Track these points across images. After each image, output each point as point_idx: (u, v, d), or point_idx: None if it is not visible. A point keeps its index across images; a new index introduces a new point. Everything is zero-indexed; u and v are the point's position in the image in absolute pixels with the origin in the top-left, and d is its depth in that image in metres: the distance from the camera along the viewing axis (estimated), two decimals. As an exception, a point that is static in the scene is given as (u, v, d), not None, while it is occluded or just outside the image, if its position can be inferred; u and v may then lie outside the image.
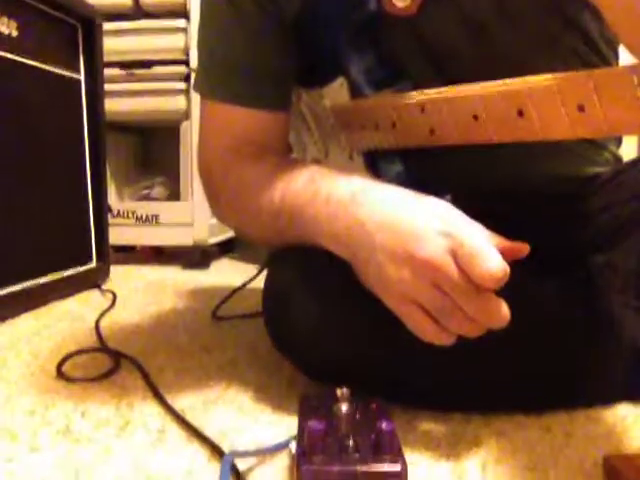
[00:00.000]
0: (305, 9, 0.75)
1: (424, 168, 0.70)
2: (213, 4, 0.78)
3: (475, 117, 0.59)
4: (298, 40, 0.77)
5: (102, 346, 0.88)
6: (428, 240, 0.52)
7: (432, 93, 0.64)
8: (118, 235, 1.59)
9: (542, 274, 0.64)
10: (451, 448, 0.56)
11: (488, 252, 0.49)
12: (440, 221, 0.53)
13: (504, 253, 0.50)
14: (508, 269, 0.49)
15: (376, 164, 0.77)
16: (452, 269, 0.50)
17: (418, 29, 0.70)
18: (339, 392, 0.52)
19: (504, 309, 0.51)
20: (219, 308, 1.07)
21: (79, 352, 0.81)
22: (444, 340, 0.53)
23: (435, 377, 0.62)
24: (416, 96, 0.65)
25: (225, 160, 0.77)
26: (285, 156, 0.84)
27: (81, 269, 1.30)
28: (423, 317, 0.53)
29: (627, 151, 0.87)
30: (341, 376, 0.56)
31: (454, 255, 0.51)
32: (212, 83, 0.79)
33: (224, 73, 0.78)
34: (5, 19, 1.06)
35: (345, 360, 0.63)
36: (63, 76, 1.25)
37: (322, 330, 0.63)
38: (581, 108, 0.50)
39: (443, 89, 0.62)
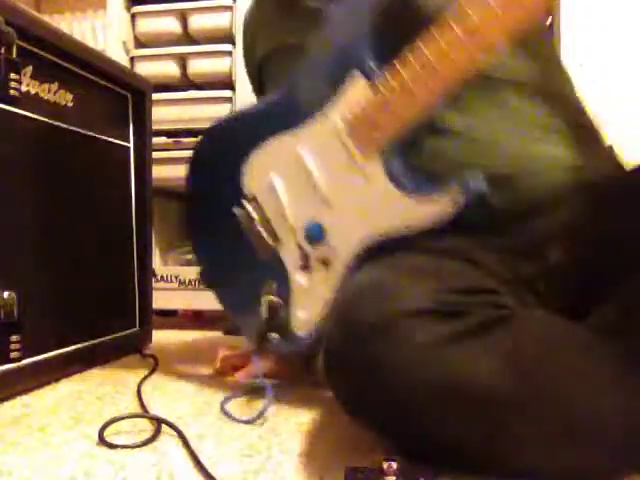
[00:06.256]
0: None
1: None
2: None
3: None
4: None
5: (143, 412, 0.87)
6: None
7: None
8: (160, 299, 1.60)
9: None
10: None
11: None
12: None
13: None
14: None
15: None
16: None
17: None
18: (385, 465, 0.51)
19: None
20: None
21: (120, 418, 0.80)
22: None
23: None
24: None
25: None
26: None
27: (124, 334, 1.31)
28: None
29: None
30: None
31: None
32: None
33: None
34: (62, 91, 1.10)
35: None
36: (113, 143, 1.29)
37: None
38: None
39: None
